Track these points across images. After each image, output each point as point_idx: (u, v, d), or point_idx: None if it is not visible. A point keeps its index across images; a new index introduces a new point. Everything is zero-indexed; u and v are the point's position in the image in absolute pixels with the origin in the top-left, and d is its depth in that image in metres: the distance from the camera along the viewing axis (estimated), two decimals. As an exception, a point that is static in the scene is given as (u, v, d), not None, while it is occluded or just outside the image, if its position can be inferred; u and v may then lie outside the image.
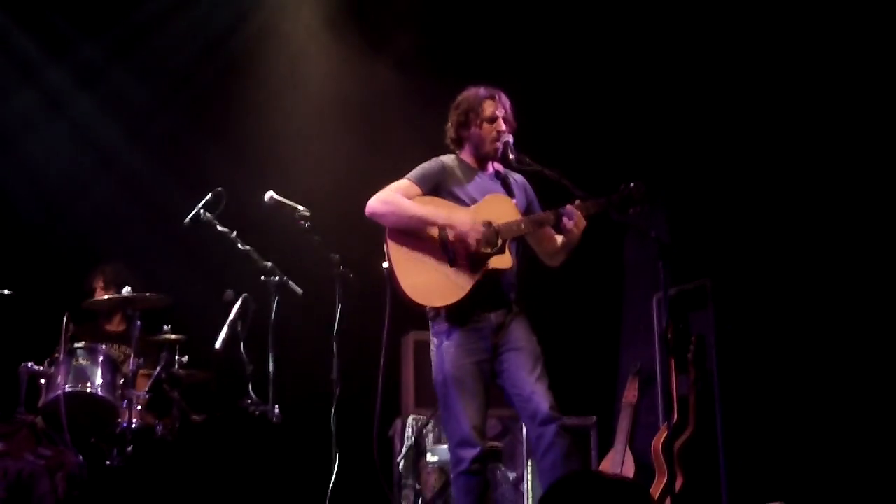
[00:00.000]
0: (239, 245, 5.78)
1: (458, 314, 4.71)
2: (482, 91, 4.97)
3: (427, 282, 4.71)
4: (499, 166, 4.99)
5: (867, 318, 6.01)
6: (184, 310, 6.33)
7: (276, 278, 5.73)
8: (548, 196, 5.05)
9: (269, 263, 5.75)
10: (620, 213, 4.74)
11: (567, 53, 7.47)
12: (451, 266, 4.69)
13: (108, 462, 5.71)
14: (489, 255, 4.70)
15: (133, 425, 5.83)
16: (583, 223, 4.77)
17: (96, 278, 6.65)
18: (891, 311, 5.93)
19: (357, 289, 5.55)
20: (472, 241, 4.66)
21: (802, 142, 6.38)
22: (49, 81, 7.25)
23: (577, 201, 4.79)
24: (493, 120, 4.89)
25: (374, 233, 5.07)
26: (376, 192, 4.83)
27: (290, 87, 7.59)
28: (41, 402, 5.80)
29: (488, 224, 4.73)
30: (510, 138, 4.87)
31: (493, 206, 4.80)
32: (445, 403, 4.72)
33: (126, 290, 6.17)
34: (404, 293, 4.69)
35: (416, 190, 4.81)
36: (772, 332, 6.25)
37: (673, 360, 6.24)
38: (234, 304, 5.90)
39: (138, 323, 6.01)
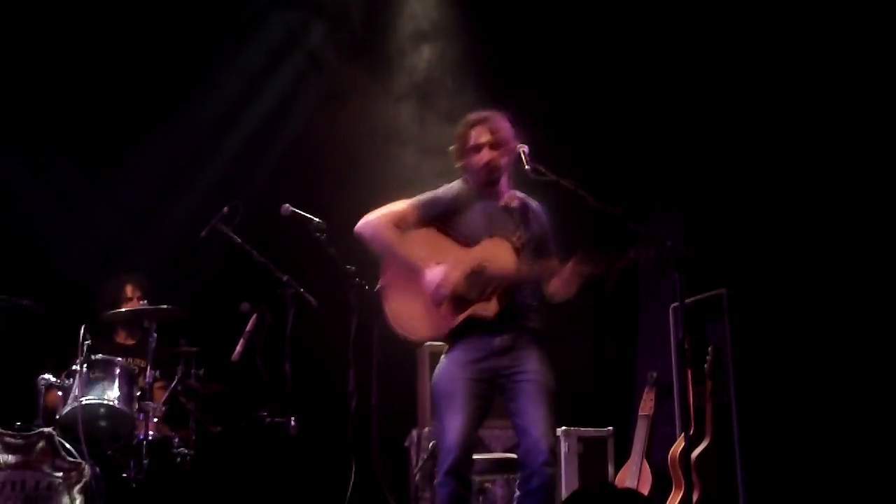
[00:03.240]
0: (255, 257, 5.80)
1: (458, 335, 4.76)
2: (471, 118, 4.92)
3: (411, 312, 4.79)
4: (512, 197, 4.92)
5: (886, 329, 5.98)
6: (200, 322, 6.33)
7: (292, 290, 5.74)
8: (565, 205, 5.03)
9: (286, 275, 5.77)
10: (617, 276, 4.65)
11: (588, 64, 7.49)
12: (437, 305, 4.75)
13: (124, 474, 5.72)
14: (473, 302, 4.73)
15: (150, 437, 5.83)
16: (572, 288, 4.70)
17: (124, 285, 6.61)
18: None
19: (373, 300, 5.56)
20: (432, 297, 4.70)
21: (820, 153, 6.36)
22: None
23: (576, 260, 4.70)
24: (477, 149, 4.84)
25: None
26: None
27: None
28: (58, 415, 5.81)
29: (481, 270, 4.73)
30: (526, 148, 4.82)
31: (490, 251, 4.77)
32: (436, 415, 4.82)
33: (143, 301, 6.19)
34: (387, 317, 4.81)
35: (412, 218, 4.84)
36: (789, 343, 6.23)
37: (690, 371, 6.22)
38: (251, 315, 5.91)
39: (154, 335, 6.01)
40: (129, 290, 6.55)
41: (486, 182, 4.87)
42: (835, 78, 6.32)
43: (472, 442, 4.76)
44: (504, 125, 4.88)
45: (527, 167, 4.79)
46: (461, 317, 4.73)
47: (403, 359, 6.55)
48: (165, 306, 6.10)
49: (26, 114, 7.08)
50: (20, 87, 7.04)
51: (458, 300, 4.74)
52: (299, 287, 5.76)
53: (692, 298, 6.30)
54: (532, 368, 4.74)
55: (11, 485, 5.17)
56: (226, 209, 5.83)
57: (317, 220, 5.62)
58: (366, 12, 7.72)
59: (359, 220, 5.87)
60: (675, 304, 6.57)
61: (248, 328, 5.91)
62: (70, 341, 5.82)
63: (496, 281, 4.71)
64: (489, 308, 4.72)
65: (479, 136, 4.84)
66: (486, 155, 4.81)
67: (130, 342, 6.63)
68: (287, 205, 5.63)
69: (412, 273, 4.77)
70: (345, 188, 7.17)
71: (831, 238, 6.25)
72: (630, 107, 7.44)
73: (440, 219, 4.86)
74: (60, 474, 5.25)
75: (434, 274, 4.72)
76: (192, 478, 6.05)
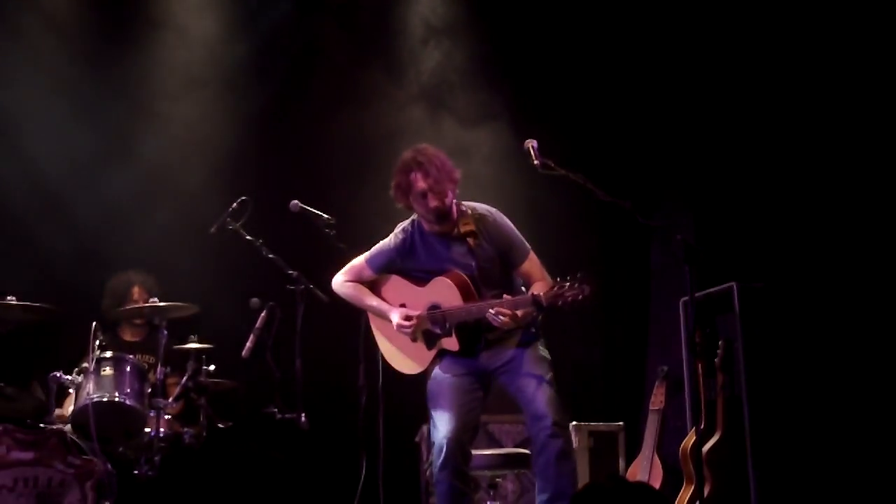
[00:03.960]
0: (265, 253, 5.81)
1: (441, 355, 5.02)
2: (406, 160, 4.94)
3: (398, 349, 5.12)
4: (464, 220, 4.94)
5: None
6: (210, 318, 6.34)
7: (302, 286, 5.75)
8: (574, 199, 5.03)
9: (295, 271, 5.77)
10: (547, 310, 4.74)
11: (597, 60, 7.48)
12: (413, 341, 5.03)
13: (136, 471, 5.73)
14: (440, 336, 4.95)
15: (161, 434, 5.84)
16: (508, 324, 4.78)
17: (132, 286, 6.62)
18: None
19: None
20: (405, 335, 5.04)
21: (829, 146, 6.34)
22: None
23: (507, 296, 4.79)
24: (421, 196, 4.88)
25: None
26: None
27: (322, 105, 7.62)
28: (70, 411, 5.83)
29: (437, 307, 4.94)
30: (535, 142, 4.82)
31: (439, 290, 4.94)
32: (429, 418, 5.00)
33: (153, 298, 6.20)
34: (381, 356, 5.19)
35: (366, 273, 5.16)
36: (800, 336, 6.21)
37: (700, 365, 6.20)
38: (261, 311, 5.92)
39: (164, 332, 6.02)
40: (136, 291, 6.57)
41: (432, 225, 4.97)
42: (844, 72, 6.30)
43: (464, 436, 4.87)
44: (438, 162, 4.91)
45: (535, 162, 4.79)
46: (433, 351, 5.00)
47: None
48: (176, 303, 6.11)
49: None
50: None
51: (428, 334, 5.00)
52: (309, 283, 5.77)
53: (703, 292, 6.28)
54: (518, 352, 4.91)
55: (24, 481, 5.18)
56: (235, 205, 5.84)
57: (326, 216, 5.63)
58: (377, 11, 7.71)
59: (368, 215, 5.92)
60: (686, 297, 6.56)
61: (258, 324, 5.92)
62: (80, 338, 5.84)
63: (449, 318, 4.91)
64: (452, 343, 4.94)
65: (418, 181, 4.87)
66: (431, 201, 4.87)
67: (136, 339, 6.64)
68: (296, 201, 5.64)
69: (384, 317, 5.09)
70: (354, 185, 7.18)
71: (842, 231, 6.22)
72: (639, 103, 7.42)
73: (392, 267, 5.12)
74: (72, 471, 5.26)
75: (397, 314, 5.01)
76: (204, 473, 6.06)
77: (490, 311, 4.76)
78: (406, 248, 5.04)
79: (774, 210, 6.55)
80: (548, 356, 4.98)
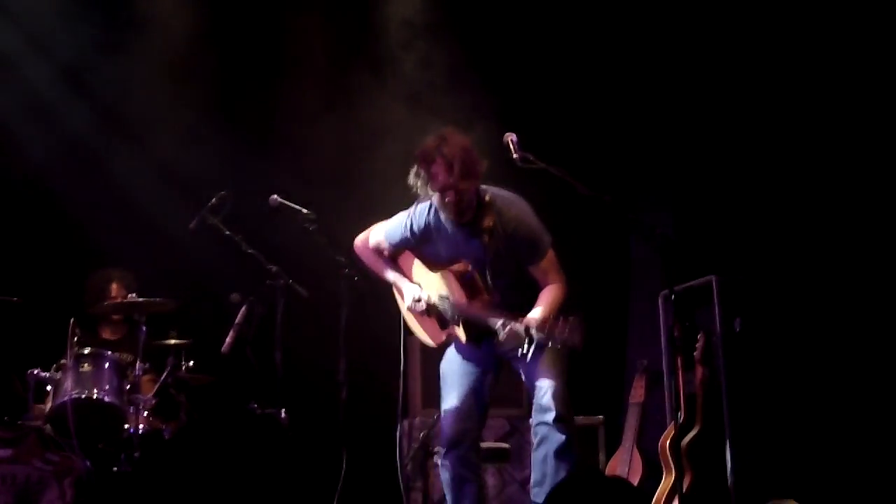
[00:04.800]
0: (244, 248, 5.79)
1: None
2: (427, 150, 4.67)
3: (419, 320, 5.05)
4: (485, 210, 4.75)
5: (874, 314, 6.00)
6: (190, 314, 6.32)
7: (282, 281, 5.74)
8: (555, 193, 5.02)
9: (275, 266, 5.76)
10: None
11: (576, 53, 7.49)
12: (428, 316, 4.97)
13: (115, 467, 5.72)
14: (449, 323, 4.89)
15: (140, 430, 5.83)
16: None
17: (110, 283, 6.59)
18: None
19: (362, 290, 5.56)
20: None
21: (807, 138, 6.37)
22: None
23: (525, 323, 4.55)
24: (443, 189, 4.65)
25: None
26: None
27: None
28: (49, 408, 5.80)
29: (447, 298, 4.86)
30: (514, 136, 4.75)
31: (448, 282, 4.87)
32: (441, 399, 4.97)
33: (131, 294, 6.18)
34: (403, 320, 5.14)
35: (386, 245, 5.05)
36: (779, 328, 6.24)
37: (680, 358, 6.23)
38: (241, 307, 5.91)
39: (144, 329, 6.00)
40: (114, 288, 6.52)
41: (456, 216, 4.76)
42: (822, 69, 6.34)
43: (470, 422, 4.84)
44: (463, 155, 4.62)
45: (515, 156, 4.73)
46: (444, 334, 4.94)
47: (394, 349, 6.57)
48: (156, 299, 6.08)
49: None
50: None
51: (440, 316, 4.93)
52: (289, 278, 5.75)
53: (682, 285, 6.30)
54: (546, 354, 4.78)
55: (2, 479, 5.16)
56: (214, 200, 5.82)
57: (305, 210, 5.62)
58: (360, 10, 7.70)
59: (351, 212, 5.89)
60: (665, 291, 6.58)
61: (238, 319, 5.90)
62: (58, 335, 5.81)
63: (459, 311, 4.81)
64: (460, 333, 4.86)
65: (439, 175, 4.62)
66: (451, 197, 4.66)
67: (115, 336, 6.60)
68: (275, 195, 5.62)
69: (399, 290, 5.05)
70: (337, 182, 7.17)
71: (820, 225, 6.26)
72: (619, 99, 7.43)
73: (408, 247, 5.04)
74: (51, 468, 5.23)
75: (409, 293, 4.95)
76: (184, 469, 6.05)
77: (503, 332, 4.58)
78: (421, 234, 4.91)
79: (753, 204, 6.58)
80: (563, 350, 4.78)
